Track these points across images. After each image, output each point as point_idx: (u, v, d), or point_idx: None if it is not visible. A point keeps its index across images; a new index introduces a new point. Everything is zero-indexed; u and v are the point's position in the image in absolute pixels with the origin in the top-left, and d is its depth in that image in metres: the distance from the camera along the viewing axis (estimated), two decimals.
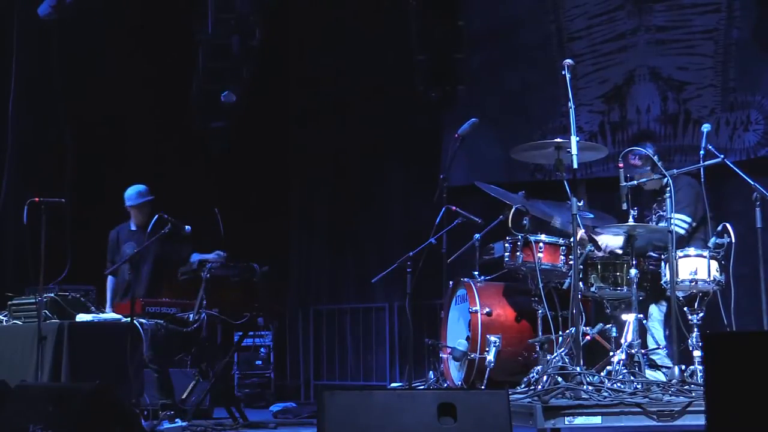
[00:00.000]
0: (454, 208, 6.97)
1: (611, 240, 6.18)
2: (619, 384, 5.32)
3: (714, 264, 5.78)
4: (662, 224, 6.06)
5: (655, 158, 6.06)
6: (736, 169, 5.90)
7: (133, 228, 7.71)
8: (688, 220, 6.17)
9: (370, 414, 4.06)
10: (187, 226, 7.51)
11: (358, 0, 10.34)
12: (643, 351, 5.66)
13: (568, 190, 5.57)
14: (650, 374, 5.62)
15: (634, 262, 5.74)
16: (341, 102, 10.61)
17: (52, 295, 6.65)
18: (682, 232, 6.14)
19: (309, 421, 7.37)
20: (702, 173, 5.97)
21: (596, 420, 4.94)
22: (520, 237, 6.07)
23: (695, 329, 5.78)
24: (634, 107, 8.74)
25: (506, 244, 6.19)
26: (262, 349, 9.73)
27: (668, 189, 5.68)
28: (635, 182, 5.96)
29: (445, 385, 6.64)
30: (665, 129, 8.51)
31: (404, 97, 9.65)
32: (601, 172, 8.27)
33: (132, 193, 7.75)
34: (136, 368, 6.42)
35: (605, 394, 5.14)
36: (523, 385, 5.59)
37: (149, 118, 9.75)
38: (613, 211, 6.32)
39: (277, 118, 10.85)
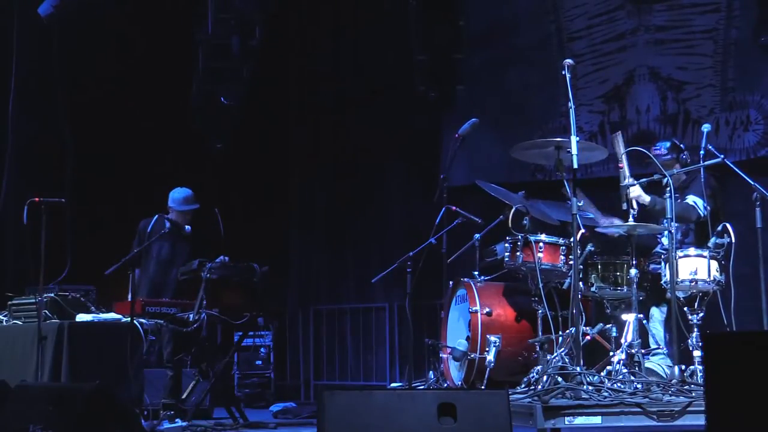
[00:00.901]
0: (454, 208, 6.97)
1: (638, 192, 6.08)
2: (619, 384, 5.32)
3: (714, 264, 5.78)
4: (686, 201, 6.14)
5: (685, 154, 6.16)
6: (737, 169, 5.90)
7: (167, 228, 7.57)
8: (705, 205, 6.13)
9: (370, 414, 4.06)
10: (187, 226, 7.52)
11: (358, 0, 10.34)
12: (643, 351, 5.66)
13: (568, 190, 5.57)
14: (649, 365, 5.63)
15: (634, 262, 5.74)
16: (341, 102, 10.61)
17: (52, 295, 6.65)
18: (700, 212, 6.12)
19: (309, 421, 7.37)
20: (702, 173, 5.97)
21: (596, 420, 4.94)
22: (520, 237, 6.07)
23: (695, 329, 5.78)
24: (634, 107, 8.74)
25: (506, 244, 6.19)
26: (262, 349, 9.73)
27: (668, 189, 5.68)
28: (635, 182, 5.96)
29: (445, 385, 6.64)
30: (665, 129, 8.52)
31: (404, 97, 9.65)
32: (601, 172, 8.26)
33: (179, 197, 7.63)
34: (136, 368, 6.42)
35: (605, 394, 5.14)
36: (523, 385, 5.59)
37: (149, 118, 9.74)
38: (613, 211, 6.32)
39: (277, 117, 10.85)
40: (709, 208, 6.09)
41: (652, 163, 6.00)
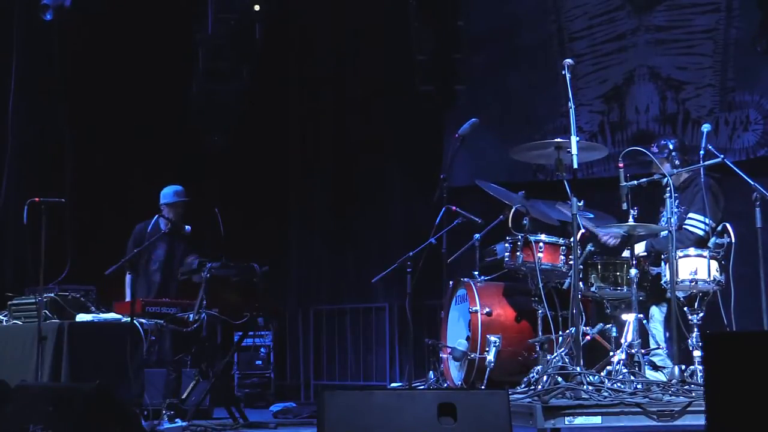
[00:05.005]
0: (454, 208, 6.97)
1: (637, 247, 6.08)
2: (619, 384, 5.32)
3: (714, 264, 5.78)
4: (685, 224, 6.12)
5: (674, 154, 6.11)
6: (736, 169, 5.89)
7: (163, 229, 7.64)
8: (706, 220, 6.13)
9: (370, 414, 4.06)
10: (187, 226, 7.53)
11: (358, 0, 10.34)
12: (643, 351, 5.66)
13: (568, 190, 5.57)
14: (650, 375, 5.63)
15: (633, 262, 5.74)
16: (341, 101, 10.61)
17: (52, 295, 6.65)
18: (701, 233, 6.12)
19: (309, 421, 7.37)
20: (702, 173, 5.97)
21: (596, 420, 4.94)
22: (520, 237, 6.07)
23: (695, 329, 5.78)
24: (634, 107, 8.74)
25: (506, 244, 6.19)
26: (262, 349, 9.73)
27: (668, 189, 5.69)
28: (635, 182, 5.95)
29: (445, 385, 6.63)
30: (664, 129, 8.52)
31: (404, 97, 9.65)
32: (601, 172, 8.27)
33: (169, 191, 7.78)
34: (136, 368, 6.42)
35: (605, 394, 5.13)
36: (523, 385, 5.59)
37: (149, 117, 9.74)
38: (613, 211, 6.32)
39: (277, 117, 10.85)
40: (712, 222, 6.07)
41: (649, 163, 6.03)
